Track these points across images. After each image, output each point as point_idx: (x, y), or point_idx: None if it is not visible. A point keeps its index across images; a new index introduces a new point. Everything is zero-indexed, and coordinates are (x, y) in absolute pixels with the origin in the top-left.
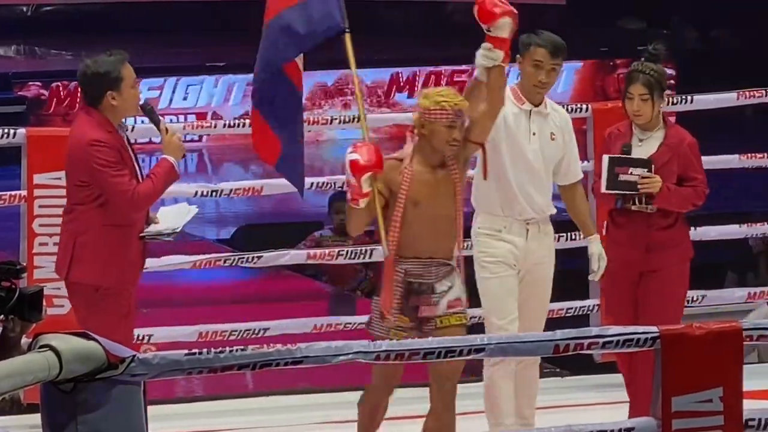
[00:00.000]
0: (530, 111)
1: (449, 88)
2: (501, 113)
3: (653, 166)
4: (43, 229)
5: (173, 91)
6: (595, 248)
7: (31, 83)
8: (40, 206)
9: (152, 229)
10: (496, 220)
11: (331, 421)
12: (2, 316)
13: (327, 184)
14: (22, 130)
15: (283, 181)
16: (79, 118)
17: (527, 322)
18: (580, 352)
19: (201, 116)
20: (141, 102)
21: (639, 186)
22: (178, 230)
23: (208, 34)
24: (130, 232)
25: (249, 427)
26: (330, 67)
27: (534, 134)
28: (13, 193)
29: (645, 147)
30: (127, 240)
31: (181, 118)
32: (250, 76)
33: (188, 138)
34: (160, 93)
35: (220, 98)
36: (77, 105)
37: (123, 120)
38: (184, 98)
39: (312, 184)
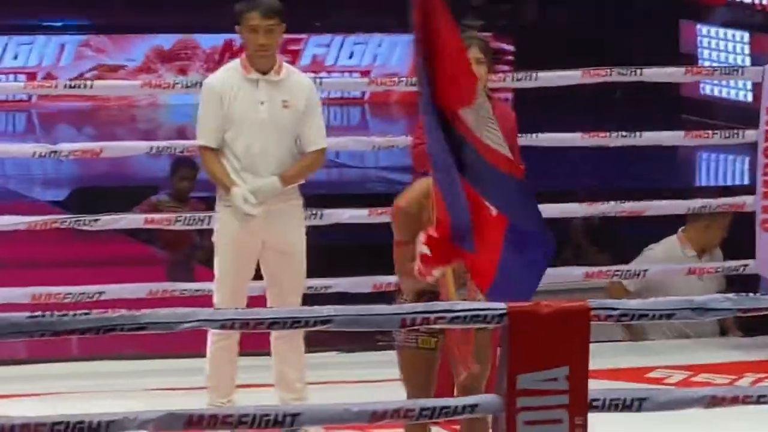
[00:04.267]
0: (258, 80)
1: None
2: (227, 85)
3: None
4: None
5: (4, 50)
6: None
7: None
8: None
9: None
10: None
11: (166, 388)
12: None
13: (165, 148)
14: None
15: (123, 144)
16: None
17: (281, 295)
18: (429, 326)
19: (32, 76)
20: None
21: None
22: None
23: None
24: None
25: (81, 391)
26: (167, 31)
27: (262, 103)
28: None
29: None
30: None
31: (11, 77)
32: (84, 36)
33: (17, 98)
34: None
35: (52, 58)
36: None
37: None
38: (15, 57)
39: (152, 147)
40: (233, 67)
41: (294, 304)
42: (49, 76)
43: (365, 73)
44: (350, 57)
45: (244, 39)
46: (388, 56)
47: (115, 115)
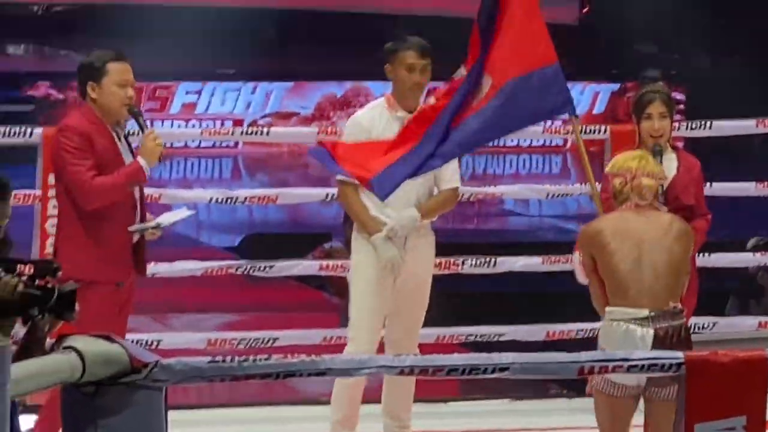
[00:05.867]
0: (404, 118)
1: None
2: (374, 122)
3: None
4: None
5: (211, 96)
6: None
7: (39, 83)
8: (54, 207)
9: (137, 225)
10: None
11: None
12: (37, 314)
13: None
14: (38, 130)
15: (298, 190)
16: (73, 109)
17: (402, 328)
18: (605, 374)
19: (237, 122)
20: (129, 104)
21: None
22: (162, 225)
23: (244, 42)
24: (112, 225)
25: None
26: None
27: None
28: (27, 192)
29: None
30: (108, 233)
31: (218, 123)
32: (288, 84)
33: (224, 144)
34: (198, 97)
35: (258, 105)
36: None
37: (122, 121)
38: (222, 104)
39: (327, 195)
40: (379, 104)
41: (416, 337)
42: (254, 123)
43: (565, 121)
44: None
45: (395, 77)
46: (589, 104)
47: (289, 161)
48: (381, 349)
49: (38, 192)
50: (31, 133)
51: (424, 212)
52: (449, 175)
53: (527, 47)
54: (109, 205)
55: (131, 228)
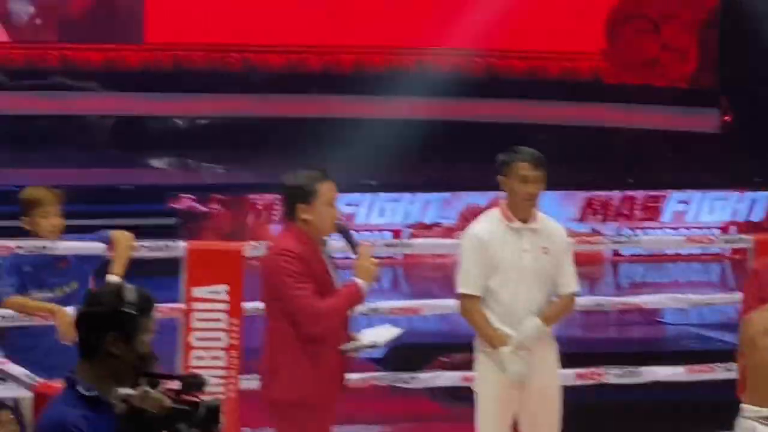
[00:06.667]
0: (520, 228)
1: None
2: (492, 235)
3: None
4: (201, 342)
5: (370, 208)
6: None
7: (183, 196)
8: (198, 320)
9: (353, 343)
10: None
11: None
12: (184, 429)
13: None
14: (182, 243)
15: (442, 301)
16: (281, 230)
17: None
18: None
19: (396, 234)
20: (338, 221)
21: None
22: (379, 344)
23: (386, 153)
24: (328, 345)
25: None
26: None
27: (526, 251)
28: (171, 305)
29: None
30: (324, 354)
31: (377, 234)
32: (446, 194)
33: (385, 255)
34: (357, 209)
35: (418, 216)
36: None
37: (326, 237)
38: (381, 214)
39: None
40: (495, 216)
41: None
42: (415, 234)
43: (724, 229)
44: (710, 212)
45: (509, 188)
46: (747, 212)
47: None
48: None
49: (182, 305)
50: (174, 247)
51: (548, 320)
52: (568, 279)
53: None
54: None
55: (345, 347)
